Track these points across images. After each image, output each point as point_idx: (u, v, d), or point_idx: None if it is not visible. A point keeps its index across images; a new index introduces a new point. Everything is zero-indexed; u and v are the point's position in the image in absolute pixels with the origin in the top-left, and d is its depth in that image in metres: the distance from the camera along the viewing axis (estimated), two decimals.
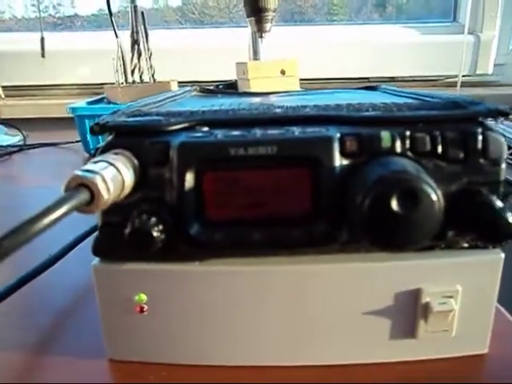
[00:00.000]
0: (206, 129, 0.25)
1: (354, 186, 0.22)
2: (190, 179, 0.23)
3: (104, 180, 0.20)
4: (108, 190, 0.20)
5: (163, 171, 0.23)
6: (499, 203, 0.22)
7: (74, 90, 1.34)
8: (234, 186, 0.23)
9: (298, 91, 0.51)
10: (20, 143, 1.00)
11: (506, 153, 0.23)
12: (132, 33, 0.96)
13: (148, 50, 0.97)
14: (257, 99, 0.42)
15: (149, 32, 0.99)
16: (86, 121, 0.83)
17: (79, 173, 0.20)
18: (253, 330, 0.26)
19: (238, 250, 0.24)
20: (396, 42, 1.38)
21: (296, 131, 0.23)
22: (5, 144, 0.98)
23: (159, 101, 0.35)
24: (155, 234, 0.22)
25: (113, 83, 0.95)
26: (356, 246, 0.24)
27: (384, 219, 0.20)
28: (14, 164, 0.88)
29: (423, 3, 1.51)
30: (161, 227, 0.22)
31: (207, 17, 1.43)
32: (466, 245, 0.26)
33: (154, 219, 0.22)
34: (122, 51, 0.99)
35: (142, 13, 0.95)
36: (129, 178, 0.23)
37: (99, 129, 0.25)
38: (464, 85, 1.29)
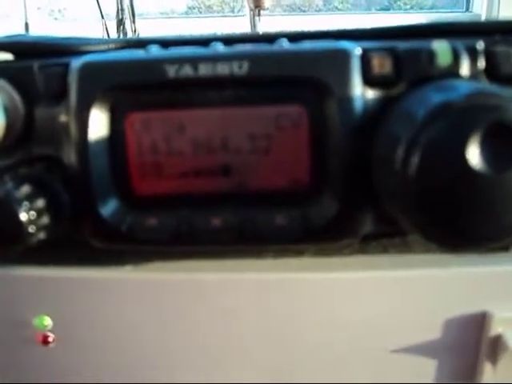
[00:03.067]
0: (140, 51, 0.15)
1: (389, 132, 0.12)
2: (101, 124, 0.13)
3: None
4: None
5: (57, 111, 0.13)
6: None
7: None
8: (177, 137, 0.13)
9: None
10: None
11: None
12: (117, 11, 0.87)
13: (135, 31, 0.88)
14: None
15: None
16: None
17: None
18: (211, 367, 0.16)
19: (185, 245, 0.14)
20: None
21: (285, 45, 0.14)
22: None
23: None
24: (25, 214, 0.12)
25: None
26: (385, 242, 0.14)
27: (451, 188, 0.10)
28: None
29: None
30: (41, 204, 0.12)
31: None
32: None
33: (25, 189, 0.12)
34: (107, 33, 0.90)
35: None
36: None
37: None
38: None
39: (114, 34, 0.93)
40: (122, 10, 0.84)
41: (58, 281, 0.17)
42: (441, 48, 0.13)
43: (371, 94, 0.14)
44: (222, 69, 0.13)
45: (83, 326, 0.18)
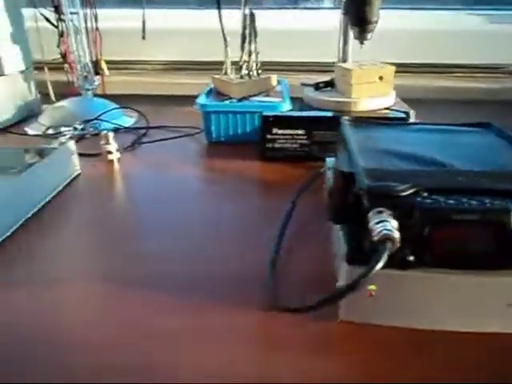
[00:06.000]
0: (425, 194, 0.42)
1: None
2: (426, 230, 0.40)
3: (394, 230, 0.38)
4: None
5: (411, 223, 0.41)
6: None
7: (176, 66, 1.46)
8: (451, 237, 0.41)
9: (416, 126, 0.66)
10: (141, 125, 1.16)
11: None
12: (243, 33, 1.10)
13: (255, 49, 1.11)
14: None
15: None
16: (212, 115, 1.00)
17: (385, 232, 0.38)
18: None
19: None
20: (462, 30, 1.39)
21: (488, 203, 0.41)
22: (130, 126, 1.16)
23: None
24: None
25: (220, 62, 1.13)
26: None
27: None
28: (142, 149, 0.98)
29: None
30: (407, 252, 0.40)
31: None
32: None
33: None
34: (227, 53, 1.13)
35: (253, 14, 1.08)
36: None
37: (367, 192, 0.42)
38: None
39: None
40: (250, 34, 1.07)
41: (384, 274, 0.45)
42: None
43: None
44: (470, 217, 0.40)
45: (394, 294, 0.46)
